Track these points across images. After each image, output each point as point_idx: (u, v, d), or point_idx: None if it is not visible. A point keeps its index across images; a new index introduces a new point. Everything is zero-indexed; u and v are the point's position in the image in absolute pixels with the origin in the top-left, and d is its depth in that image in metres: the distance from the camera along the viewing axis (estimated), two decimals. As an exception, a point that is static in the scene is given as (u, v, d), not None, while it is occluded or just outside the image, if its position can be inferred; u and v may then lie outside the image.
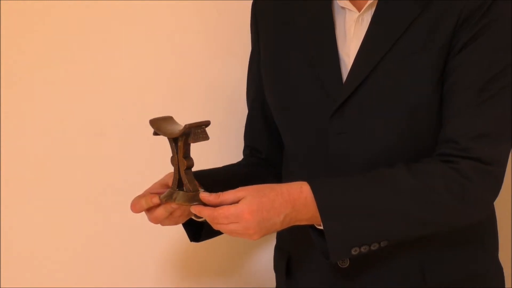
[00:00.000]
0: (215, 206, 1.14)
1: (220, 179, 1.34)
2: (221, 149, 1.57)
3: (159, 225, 1.34)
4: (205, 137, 1.15)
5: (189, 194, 1.17)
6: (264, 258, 1.65)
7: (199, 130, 1.14)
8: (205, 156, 1.17)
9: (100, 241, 1.62)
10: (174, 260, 1.65)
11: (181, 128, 1.14)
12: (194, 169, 1.24)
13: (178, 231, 1.47)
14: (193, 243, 1.45)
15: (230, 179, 1.36)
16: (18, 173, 1.60)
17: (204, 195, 1.15)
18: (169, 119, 1.20)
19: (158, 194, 1.22)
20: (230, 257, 1.68)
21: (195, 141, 1.15)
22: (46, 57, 1.59)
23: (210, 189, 1.24)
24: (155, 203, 1.21)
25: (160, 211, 1.22)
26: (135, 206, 1.23)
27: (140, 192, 1.26)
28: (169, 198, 1.19)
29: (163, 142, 1.19)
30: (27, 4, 1.58)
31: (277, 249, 1.44)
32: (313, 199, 1.15)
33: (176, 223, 1.25)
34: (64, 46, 1.60)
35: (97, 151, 1.60)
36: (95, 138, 1.59)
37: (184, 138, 1.15)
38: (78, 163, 1.61)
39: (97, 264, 1.61)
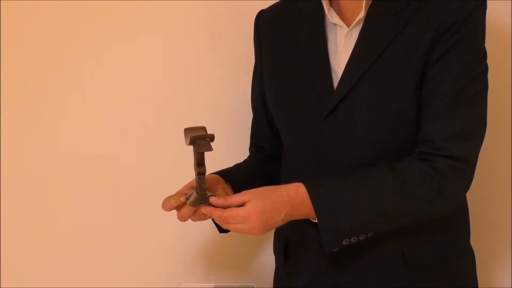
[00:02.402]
0: (223, 208, 1.21)
1: (241, 176, 1.41)
2: (228, 146, 1.62)
3: (171, 225, 1.39)
4: (208, 148, 1.20)
5: (199, 197, 1.23)
6: (265, 247, 1.71)
7: (202, 142, 1.20)
8: (215, 151, 1.24)
9: (105, 240, 1.67)
10: (199, 253, 1.71)
11: (189, 140, 1.20)
12: (214, 165, 1.31)
13: (189, 230, 1.56)
14: (208, 240, 1.55)
15: (249, 174, 1.44)
16: (33, 172, 1.64)
17: (213, 199, 1.22)
18: (198, 130, 1.23)
19: (186, 194, 1.27)
20: (238, 247, 1.73)
21: (198, 150, 1.19)
22: (56, 58, 1.64)
23: (236, 185, 1.32)
24: (182, 201, 1.26)
25: (185, 210, 1.27)
26: (166, 205, 1.27)
27: (159, 192, 1.31)
28: (187, 199, 1.25)
29: (181, 145, 1.25)
30: (28, 4, 1.61)
31: (277, 234, 1.50)
32: (309, 199, 1.22)
33: (205, 219, 1.29)
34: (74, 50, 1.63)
35: (119, 151, 1.65)
36: (118, 139, 1.65)
37: (193, 147, 1.20)
38: (101, 163, 1.66)
39: (107, 262, 1.68)
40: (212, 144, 1.20)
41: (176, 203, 1.27)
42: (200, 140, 1.19)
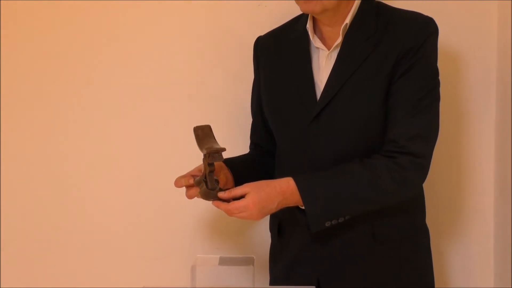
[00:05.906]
0: (228, 200, 1.36)
1: (241, 165, 1.54)
2: (232, 144, 1.62)
3: (188, 209, 1.57)
4: (220, 159, 1.33)
5: (209, 193, 1.36)
6: (263, 226, 1.79)
7: (216, 154, 1.32)
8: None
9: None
10: (204, 227, 1.82)
11: (204, 151, 1.33)
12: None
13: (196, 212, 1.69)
14: (217, 221, 1.71)
15: (248, 164, 1.58)
16: (34, 172, 1.69)
17: (220, 194, 1.36)
18: (205, 128, 1.36)
19: (194, 176, 1.40)
20: (242, 225, 1.84)
21: (212, 161, 1.33)
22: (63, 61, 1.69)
23: (236, 171, 1.47)
24: (191, 183, 1.40)
25: (193, 190, 1.41)
26: (177, 183, 1.41)
27: (173, 180, 1.42)
28: (197, 184, 1.38)
29: (191, 142, 1.37)
30: (28, 4, 1.63)
31: (272, 216, 1.61)
32: (297, 190, 1.36)
33: None
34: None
35: (138, 144, 1.76)
36: (142, 137, 1.77)
37: (208, 157, 1.34)
38: (120, 155, 1.76)
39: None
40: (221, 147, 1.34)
41: (185, 183, 1.40)
42: (214, 153, 1.33)
